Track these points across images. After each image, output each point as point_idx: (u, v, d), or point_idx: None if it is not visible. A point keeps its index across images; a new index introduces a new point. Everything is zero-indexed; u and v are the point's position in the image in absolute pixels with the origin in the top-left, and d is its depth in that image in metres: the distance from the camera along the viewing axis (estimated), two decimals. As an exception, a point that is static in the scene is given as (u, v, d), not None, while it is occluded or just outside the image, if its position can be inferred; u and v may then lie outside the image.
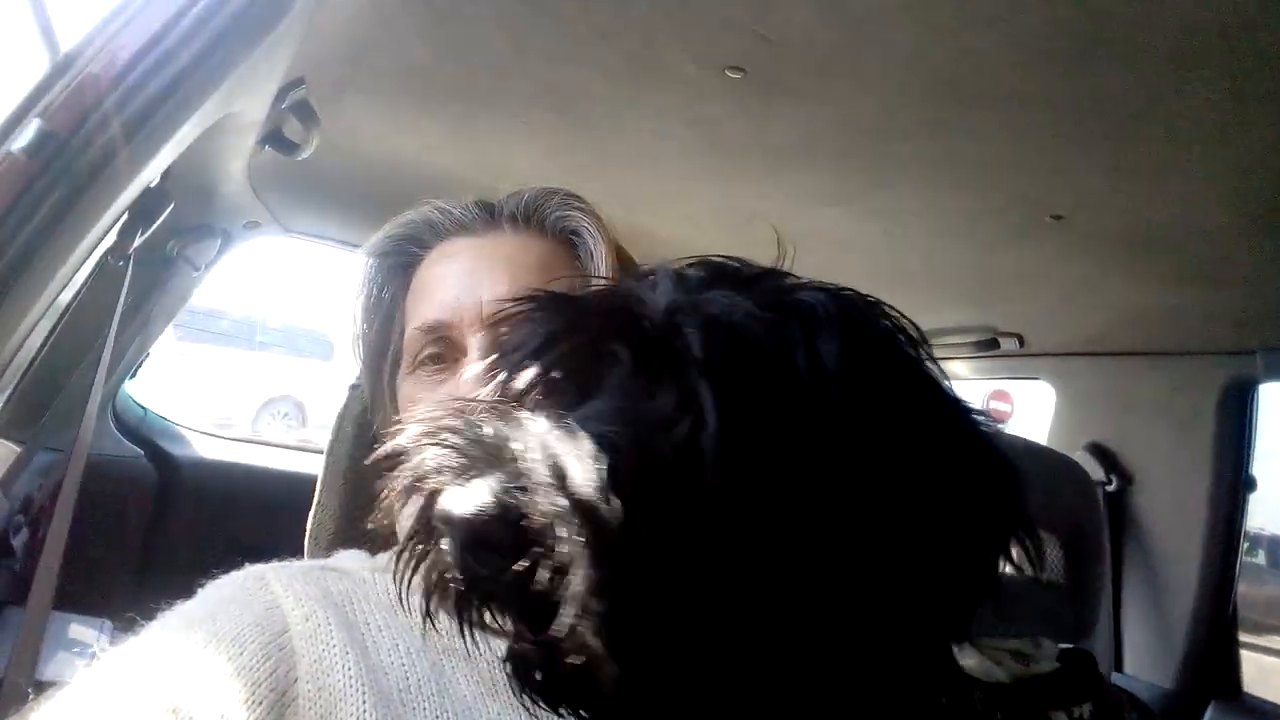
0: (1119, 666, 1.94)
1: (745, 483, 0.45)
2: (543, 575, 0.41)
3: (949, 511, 0.49)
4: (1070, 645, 1.37)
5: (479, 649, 0.53)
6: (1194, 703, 1.78)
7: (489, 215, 0.84)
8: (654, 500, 0.43)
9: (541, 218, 0.83)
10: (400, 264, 0.85)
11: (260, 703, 0.58)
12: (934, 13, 0.91)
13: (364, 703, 0.61)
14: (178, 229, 1.75)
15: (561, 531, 0.41)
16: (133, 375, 2.37)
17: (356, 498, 0.93)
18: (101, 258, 1.26)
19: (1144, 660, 1.90)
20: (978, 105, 1.08)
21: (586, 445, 0.43)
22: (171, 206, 1.32)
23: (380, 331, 0.85)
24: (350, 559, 0.81)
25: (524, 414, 0.45)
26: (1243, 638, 1.91)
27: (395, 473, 0.48)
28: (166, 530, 2.27)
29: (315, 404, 9.23)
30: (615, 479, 0.42)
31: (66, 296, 1.35)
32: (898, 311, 0.56)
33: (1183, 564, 1.84)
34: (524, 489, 0.42)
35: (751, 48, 1.03)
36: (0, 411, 1.65)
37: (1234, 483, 1.80)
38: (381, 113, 1.44)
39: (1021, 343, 2.08)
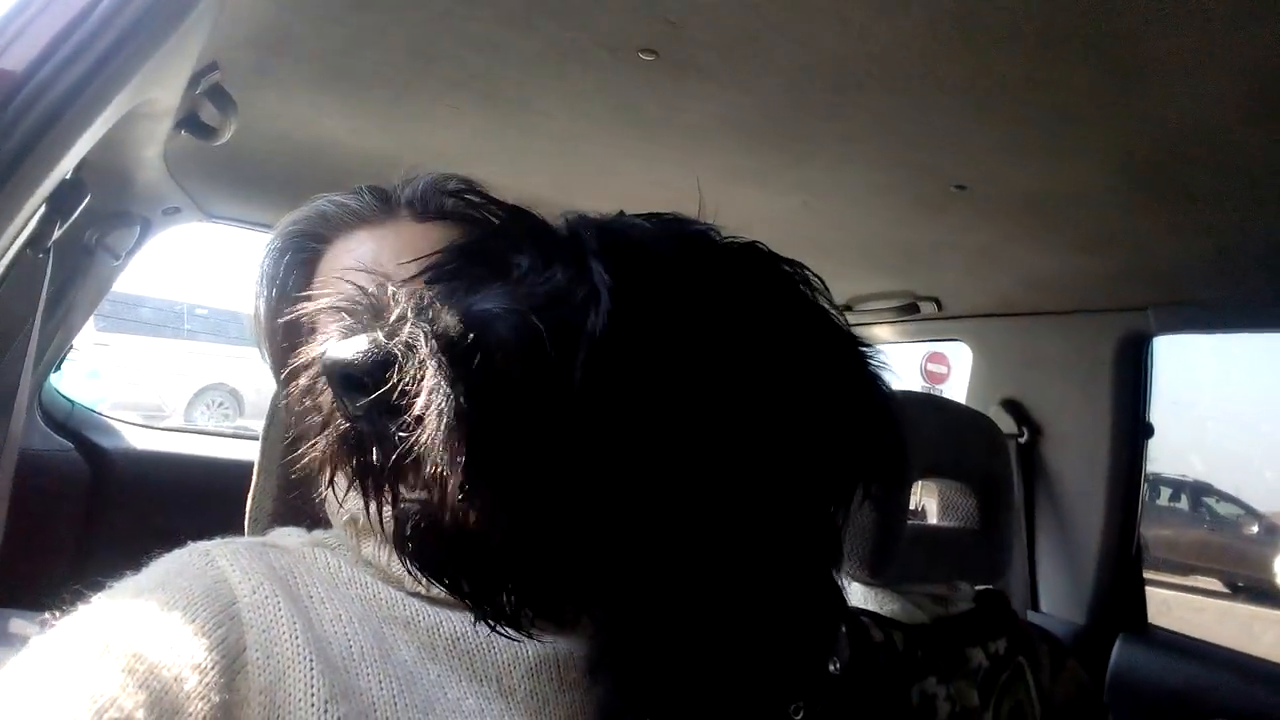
0: (1035, 606, 2.06)
1: (627, 359, 0.50)
2: (400, 403, 0.46)
3: (819, 420, 0.55)
4: (986, 587, 1.46)
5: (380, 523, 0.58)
6: (1104, 636, 1.90)
7: (385, 203, 0.84)
8: (524, 358, 0.48)
9: (440, 203, 0.84)
10: (300, 260, 0.85)
11: (213, 667, 0.59)
12: (827, 2, 0.96)
13: (311, 669, 0.62)
14: (96, 218, 1.72)
15: (421, 365, 0.46)
16: (57, 368, 2.31)
17: (293, 478, 0.95)
18: (19, 251, 1.24)
19: (1057, 599, 2.02)
20: (877, 85, 1.13)
21: (465, 307, 0.49)
22: (89, 197, 1.30)
23: (287, 329, 0.84)
24: (288, 536, 0.82)
25: (419, 291, 0.52)
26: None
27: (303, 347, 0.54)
28: (102, 523, 2.23)
29: (251, 392, 9.02)
30: (484, 333, 0.47)
31: (-15, 292, 1.32)
32: (800, 265, 0.62)
33: (1090, 508, 1.95)
34: (397, 336, 0.48)
35: (661, 31, 1.07)
36: (-80, 411, 1.60)
37: (1133, 430, 1.92)
38: (302, 97, 1.43)
39: (939, 306, 2.17)
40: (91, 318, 2.49)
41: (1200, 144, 1.17)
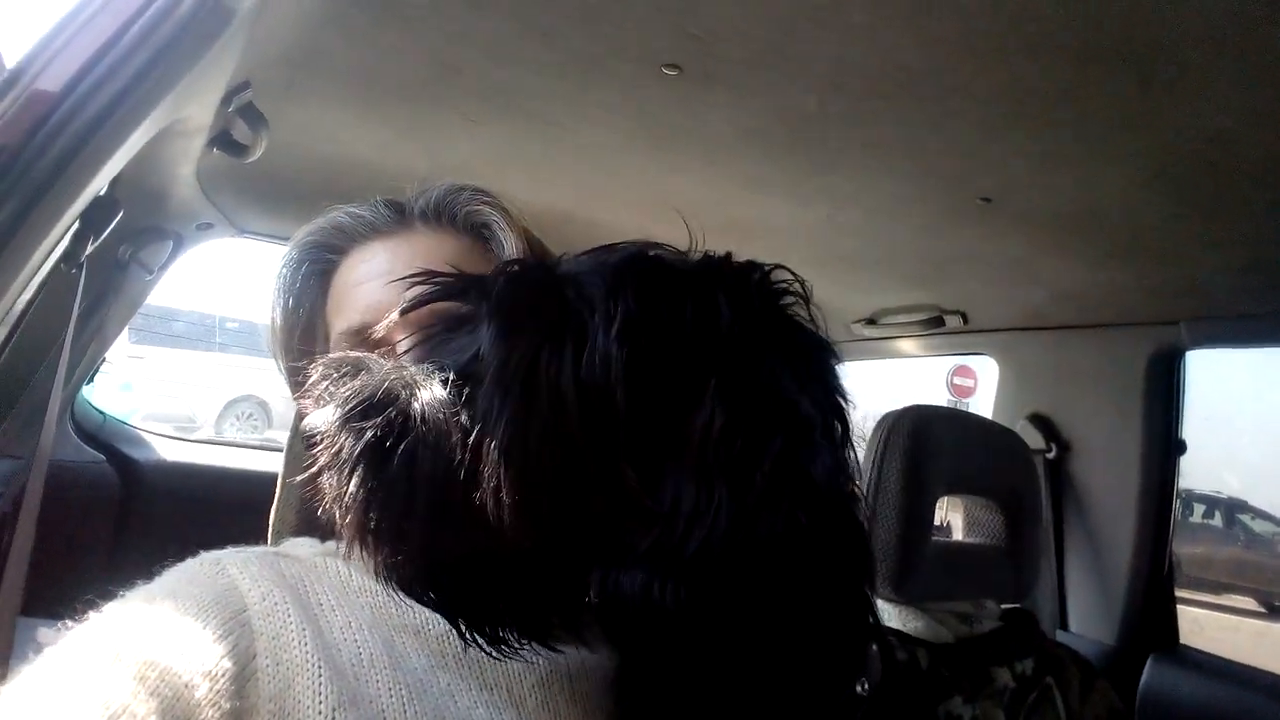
0: (1064, 625, 2.02)
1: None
2: (394, 425, 0.54)
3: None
4: (1013, 605, 1.43)
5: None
6: (1135, 656, 1.86)
7: (399, 215, 0.85)
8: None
9: (452, 214, 0.85)
10: (315, 271, 0.86)
11: (224, 674, 0.59)
12: (851, 13, 0.95)
13: (320, 676, 0.62)
14: (130, 233, 1.75)
15: (405, 395, 0.55)
16: (90, 380, 2.36)
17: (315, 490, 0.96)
18: (54, 266, 1.27)
19: (1087, 618, 1.99)
20: (903, 96, 1.13)
21: (430, 364, 0.58)
22: (122, 213, 1.32)
23: (303, 340, 0.86)
24: (301, 546, 0.83)
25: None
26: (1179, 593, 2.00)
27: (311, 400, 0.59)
28: (132, 534, 2.27)
29: (279, 403, 9.13)
30: (443, 381, 0.56)
31: (21, 306, 1.35)
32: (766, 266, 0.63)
33: (1120, 526, 1.92)
34: (381, 381, 0.56)
35: (684, 46, 1.07)
36: (-43, 422, 1.64)
37: (1165, 447, 1.88)
38: (330, 113, 1.46)
39: (965, 320, 2.15)
40: (126, 331, 2.53)
41: (1234, 154, 1.15)
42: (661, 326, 0.57)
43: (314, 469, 0.57)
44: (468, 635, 0.60)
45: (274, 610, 0.66)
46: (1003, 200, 1.44)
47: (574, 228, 1.84)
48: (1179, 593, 1.98)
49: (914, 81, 1.09)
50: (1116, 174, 1.28)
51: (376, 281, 0.80)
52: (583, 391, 0.55)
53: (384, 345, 0.79)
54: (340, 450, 0.55)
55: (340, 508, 0.56)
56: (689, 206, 1.71)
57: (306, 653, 0.63)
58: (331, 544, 0.82)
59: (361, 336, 0.79)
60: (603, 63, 1.15)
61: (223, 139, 1.36)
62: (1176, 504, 1.96)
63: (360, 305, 0.79)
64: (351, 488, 0.54)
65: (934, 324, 2.19)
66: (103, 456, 2.33)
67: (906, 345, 2.44)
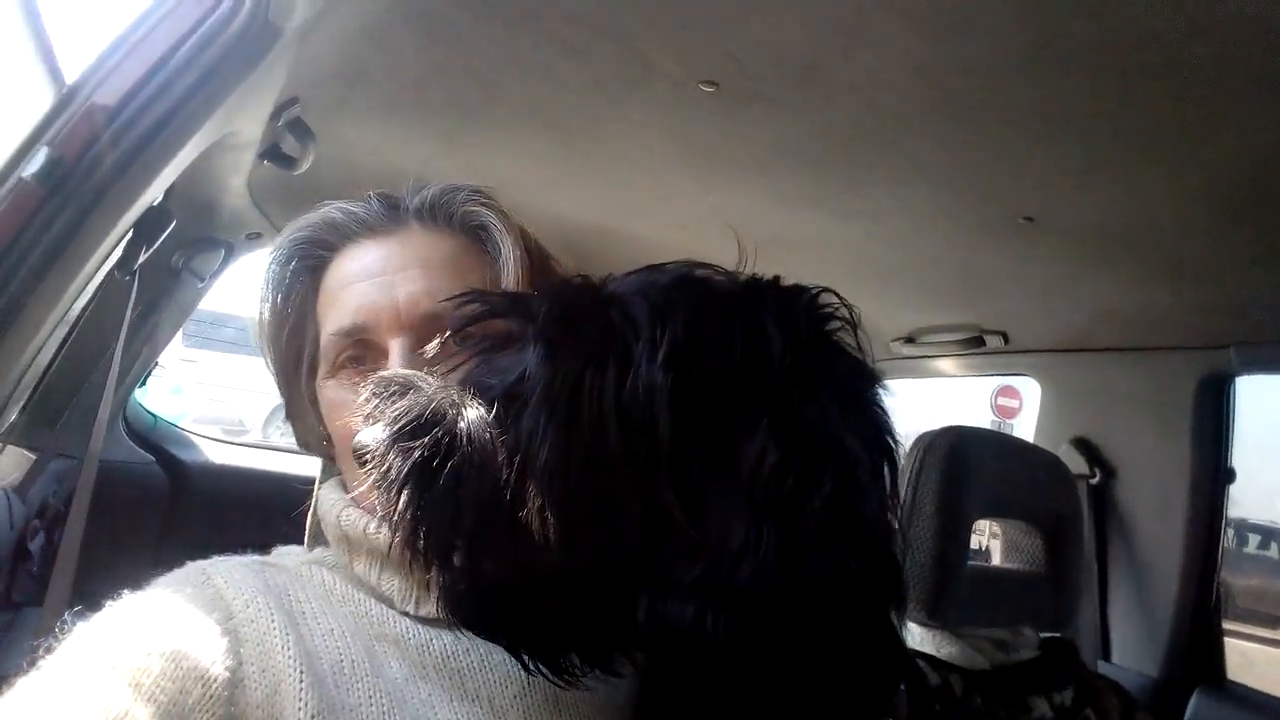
0: (1106, 656, 1.97)
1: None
2: (442, 444, 0.55)
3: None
4: (1053, 634, 1.40)
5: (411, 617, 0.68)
6: (1179, 690, 1.81)
7: (394, 212, 0.82)
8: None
9: (449, 213, 0.82)
10: (306, 268, 0.83)
11: (215, 680, 0.59)
12: (890, 31, 0.96)
13: (301, 682, 0.62)
14: (182, 242, 1.81)
15: (452, 415, 0.56)
16: (142, 384, 2.43)
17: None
18: (109, 273, 1.32)
19: (1130, 650, 1.93)
20: (939, 113, 1.12)
21: (476, 383, 0.59)
22: (175, 222, 1.37)
23: (292, 337, 0.83)
24: (288, 554, 0.82)
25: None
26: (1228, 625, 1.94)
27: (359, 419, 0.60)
28: (178, 533, 2.33)
29: (325, 409, 9.28)
30: (491, 401, 0.57)
31: (77, 311, 1.40)
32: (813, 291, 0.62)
33: (1166, 555, 1.87)
34: (430, 400, 0.57)
35: (722, 63, 1.08)
36: (16, 420, 1.70)
37: (1213, 474, 1.83)
38: (375, 128, 1.49)
39: (1006, 340, 2.11)
40: (179, 336, 2.61)
41: (1280, 171, 1.13)
42: (709, 354, 0.56)
43: (364, 486, 0.58)
44: (531, 666, 0.59)
45: (258, 617, 0.66)
46: (1044, 218, 1.42)
47: (612, 242, 1.86)
48: (1229, 626, 1.92)
49: (951, 98, 1.08)
50: (1159, 191, 1.26)
51: (370, 282, 0.78)
52: (624, 416, 0.55)
53: (375, 347, 0.77)
54: (389, 469, 0.55)
55: (390, 525, 0.56)
56: (723, 221, 1.73)
57: (289, 658, 0.63)
58: (318, 551, 0.82)
59: (354, 337, 0.77)
60: (640, 80, 1.16)
61: (272, 152, 1.41)
62: (1228, 533, 1.90)
63: (352, 305, 0.78)
64: (400, 506, 0.55)
65: (974, 344, 2.16)
66: (152, 457, 2.40)
67: (946, 365, 2.41)
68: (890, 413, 0.62)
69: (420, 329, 0.76)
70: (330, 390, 0.79)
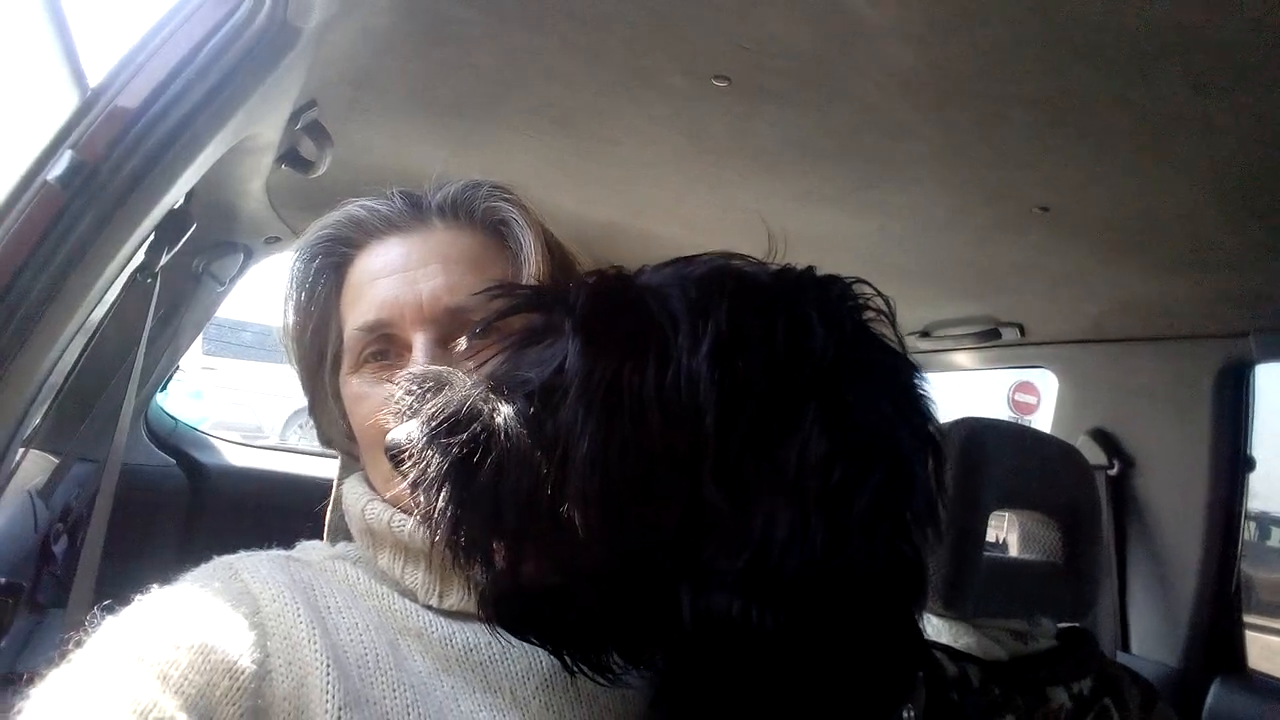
0: (1125, 646, 1.95)
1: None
2: (480, 440, 0.54)
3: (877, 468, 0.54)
4: (1071, 624, 1.40)
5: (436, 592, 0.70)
6: (1200, 680, 1.80)
7: (416, 209, 0.83)
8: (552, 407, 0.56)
9: (470, 209, 0.83)
10: (331, 264, 0.84)
11: (242, 673, 0.60)
12: (901, 22, 0.96)
13: (328, 676, 0.63)
14: (202, 246, 1.83)
15: (488, 410, 0.55)
16: (163, 388, 2.46)
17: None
18: (131, 276, 1.34)
19: (1150, 640, 1.92)
20: (951, 105, 1.12)
21: (511, 378, 0.58)
22: (195, 226, 1.39)
23: (316, 333, 0.84)
24: (312, 549, 0.84)
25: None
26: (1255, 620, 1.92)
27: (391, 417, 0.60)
28: (199, 534, 2.35)
29: (341, 414, 9.32)
30: (528, 395, 0.56)
31: (99, 314, 1.42)
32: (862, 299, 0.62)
33: (1185, 545, 1.86)
34: (465, 396, 0.56)
35: (733, 58, 1.08)
36: (39, 425, 1.73)
37: (1233, 463, 1.82)
38: (391, 130, 1.50)
39: (1022, 332, 2.11)
40: (200, 342, 2.63)
41: (1297, 158, 1.12)
42: (751, 346, 0.55)
43: (400, 486, 0.57)
44: (573, 667, 0.60)
45: (285, 611, 0.67)
46: (1060, 209, 1.42)
47: (626, 240, 1.86)
48: (1255, 619, 1.91)
49: (964, 91, 1.08)
50: (1175, 180, 1.25)
51: (393, 277, 0.79)
52: (665, 408, 0.54)
53: (398, 342, 0.78)
54: (428, 467, 0.55)
55: (430, 524, 0.56)
56: (739, 219, 1.74)
57: (316, 652, 0.64)
58: (341, 546, 0.83)
59: (378, 332, 0.78)
60: (653, 76, 1.17)
61: (290, 155, 1.42)
62: (1250, 525, 1.89)
63: (377, 301, 0.78)
64: (440, 504, 0.54)
65: (990, 336, 2.15)
66: (173, 460, 2.43)
67: (962, 358, 2.40)
68: (934, 404, 0.62)
69: (443, 323, 0.77)
70: (354, 385, 0.80)
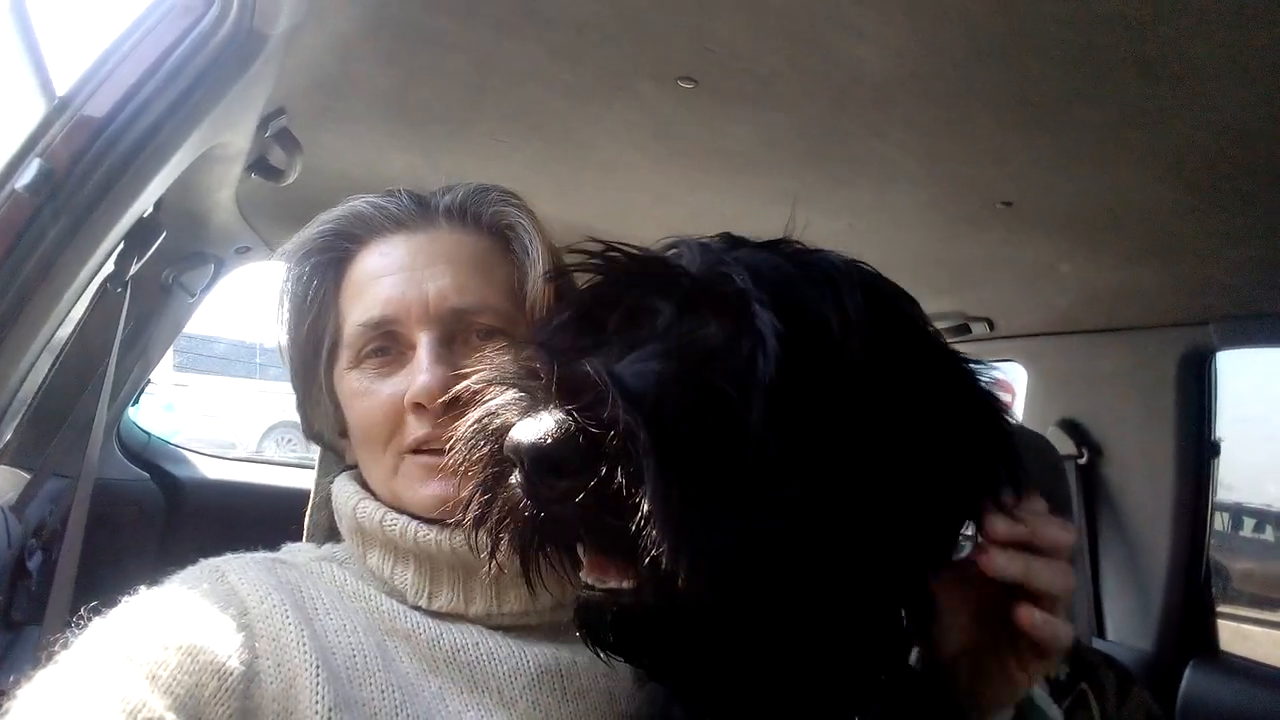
0: (1100, 633, 1.99)
1: (790, 407, 0.50)
2: (616, 484, 0.44)
3: (947, 450, 0.56)
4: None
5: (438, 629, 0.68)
6: (1174, 663, 1.83)
7: (424, 209, 0.83)
8: (697, 418, 0.47)
9: (478, 214, 0.83)
10: (332, 259, 0.83)
11: (231, 674, 0.61)
12: (858, 21, 0.97)
13: (317, 677, 0.63)
14: (172, 257, 1.81)
15: (625, 443, 0.44)
16: (135, 402, 2.43)
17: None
18: (101, 285, 1.33)
19: (1124, 625, 1.96)
20: (916, 103, 1.14)
21: (633, 375, 0.48)
22: (165, 234, 1.38)
23: (313, 328, 0.83)
24: (299, 551, 0.84)
25: (575, 360, 0.50)
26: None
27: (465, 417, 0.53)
28: (175, 549, 2.32)
29: (317, 427, 9.26)
30: (658, 402, 0.46)
31: (69, 328, 1.41)
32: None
33: (1156, 530, 1.89)
34: (581, 414, 0.46)
35: (698, 59, 1.10)
36: (10, 440, 1.70)
37: (1199, 449, 1.86)
38: (362, 137, 1.50)
39: (991, 326, 2.14)
40: (171, 359, 2.61)
41: (1250, 147, 1.15)
42: (831, 333, 0.54)
43: (470, 519, 0.53)
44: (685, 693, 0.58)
45: (272, 613, 0.67)
46: (1023, 204, 1.45)
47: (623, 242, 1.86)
48: (1231, 608, 1.95)
49: (925, 88, 1.10)
50: (1135, 172, 1.28)
51: (399, 275, 0.78)
52: (763, 391, 0.50)
53: (402, 339, 0.78)
54: (535, 492, 0.49)
55: (508, 541, 0.53)
56: (713, 221, 1.75)
57: (305, 653, 0.64)
58: (328, 548, 0.83)
59: (381, 329, 0.78)
60: (622, 80, 1.18)
61: (260, 164, 1.42)
62: (1224, 515, 1.93)
63: (381, 297, 0.78)
64: (516, 521, 0.51)
65: (960, 331, 2.18)
66: (147, 475, 2.40)
67: (934, 354, 2.42)
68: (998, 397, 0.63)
69: (448, 324, 0.78)
70: (352, 380, 0.80)
